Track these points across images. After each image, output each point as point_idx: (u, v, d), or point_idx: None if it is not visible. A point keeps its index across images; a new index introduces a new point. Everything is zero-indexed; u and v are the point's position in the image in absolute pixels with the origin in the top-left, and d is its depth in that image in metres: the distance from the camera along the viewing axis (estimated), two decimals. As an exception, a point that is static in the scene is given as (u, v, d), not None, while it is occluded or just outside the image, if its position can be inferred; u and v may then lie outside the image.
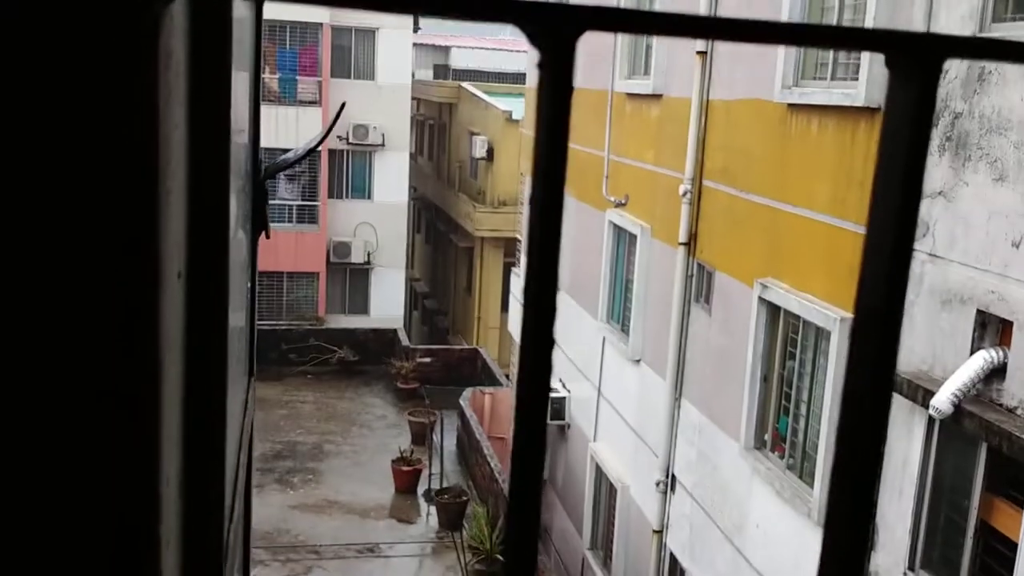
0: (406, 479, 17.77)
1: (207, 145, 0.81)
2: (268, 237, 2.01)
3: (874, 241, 0.55)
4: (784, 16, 8.65)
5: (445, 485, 17.40)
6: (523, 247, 17.56)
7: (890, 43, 0.52)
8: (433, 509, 16.98)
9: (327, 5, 0.46)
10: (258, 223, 1.89)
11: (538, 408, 0.48)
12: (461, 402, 19.51)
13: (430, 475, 17.70)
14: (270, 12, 23.98)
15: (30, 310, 0.54)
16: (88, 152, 0.52)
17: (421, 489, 17.83)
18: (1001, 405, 6.14)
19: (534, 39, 0.45)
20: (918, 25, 6.87)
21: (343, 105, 4.43)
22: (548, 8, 0.45)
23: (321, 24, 25.30)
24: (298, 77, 25.49)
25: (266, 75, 25.10)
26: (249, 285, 1.91)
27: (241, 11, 1.54)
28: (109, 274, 0.55)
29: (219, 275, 0.90)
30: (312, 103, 25.40)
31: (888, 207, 0.54)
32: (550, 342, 0.48)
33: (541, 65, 0.44)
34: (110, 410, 0.57)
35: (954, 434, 6.56)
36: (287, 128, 24.70)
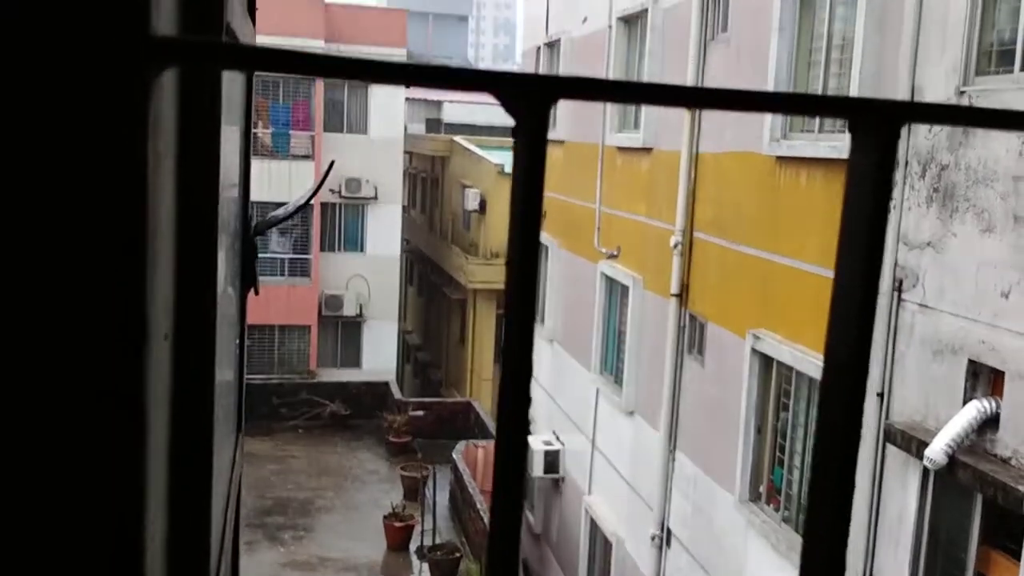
0: (398, 535, 17.54)
1: (195, 207, 0.82)
2: (257, 293, 2.01)
3: (840, 297, 0.56)
4: (771, 71, 8.78)
5: (438, 541, 17.19)
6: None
7: (852, 109, 0.54)
8: (426, 566, 16.74)
9: (314, 74, 0.48)
10: (247, 279, 1.89)
11: (517, 457, 0.48)
12: (454, 456, 19.37)
13: (423, 531, 17.48)
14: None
15: (15, 370, 0.54)
16: (75, 217, 0.53)
17: (414, 545, 17.60)
18: (995, 455, 6.12)
19: (509, 107, 0.46)
20: (903, 79, 6.98)
21: (331, 164, 4.47)
22: (522, 78, 0.47)
23: (314, 79, 25.58)
24: (291, 131, 25.70)
25: (259, 129, 25.32)
26: (237, 341, 1.90)
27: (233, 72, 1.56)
28: (95, 337, 0.55)
29: (206, 336, 0.91)
30: (305, 157, 25.58)
31: (852, 267, 0.55)
32: (526, 401, 0.48)
33: (515, 131, 0.46)
34: (94, 469, 0.57)
35: (949, 485, 6.52)
36: (280, 182, 24.84)
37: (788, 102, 0.56)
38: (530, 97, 0.46)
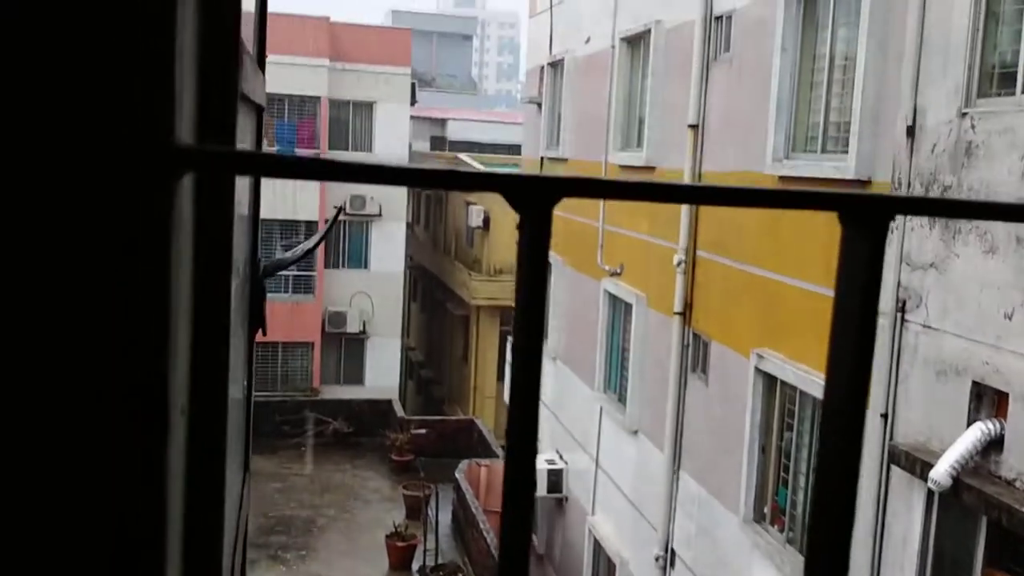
0: (400, 555, 17.48)
1: (210, 290, 0.86)
2: (265, 334, 2.01)
3: (834, 380, 0.57)
4: (773, 91, 8.80)
5: (440, 561, 17.12)
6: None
7: (842, 203, 0.55)
8: (428, 585, 16.67)
9: (326, 179, 0.50)
10: (255, 321, 1.90)
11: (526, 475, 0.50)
12: (457, 475, 19.31)
13: (425, 551, 17.42)
14: (270, 86, 24.33)
15: (48, 449, 0.57)
16: (103, 311, 0.57)
17: (416, 565, 17.53)
18: (1000, 477, 6.09)
19: (515, 205, 0.49)
20: (905, 101, 6.99)
21: (338, 211, 4.57)
22: (527, 179, 0.50)
23: (319, 97, 25.69)
24: (296, 150, 25.79)
25: (265, 147, 25.37)
26: (245, 383, 1.91)
27: (245, 122, 1.58)
28: (120, 416, 0.58)
29: (219, 406, 0.94)
30: (309, 175, 25.62)
31: (845, 350, 0.56)
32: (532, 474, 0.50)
33: (520, 226, 0.49)
34: (118, 536, 0.60)
35: (953, 507, 6.49)
36: (284, 201, 24.91)
37: (781, 197, 0.57)
38: (535, 198, 0.49)
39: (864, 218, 0.55)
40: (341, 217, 26.41)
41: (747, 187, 0.56)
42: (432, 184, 0.51)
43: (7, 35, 0.53)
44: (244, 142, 1.64)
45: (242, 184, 1.61)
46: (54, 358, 0.57)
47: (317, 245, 3.76)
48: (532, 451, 0.50)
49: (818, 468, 0.56)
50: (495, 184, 0.50)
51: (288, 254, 3.10)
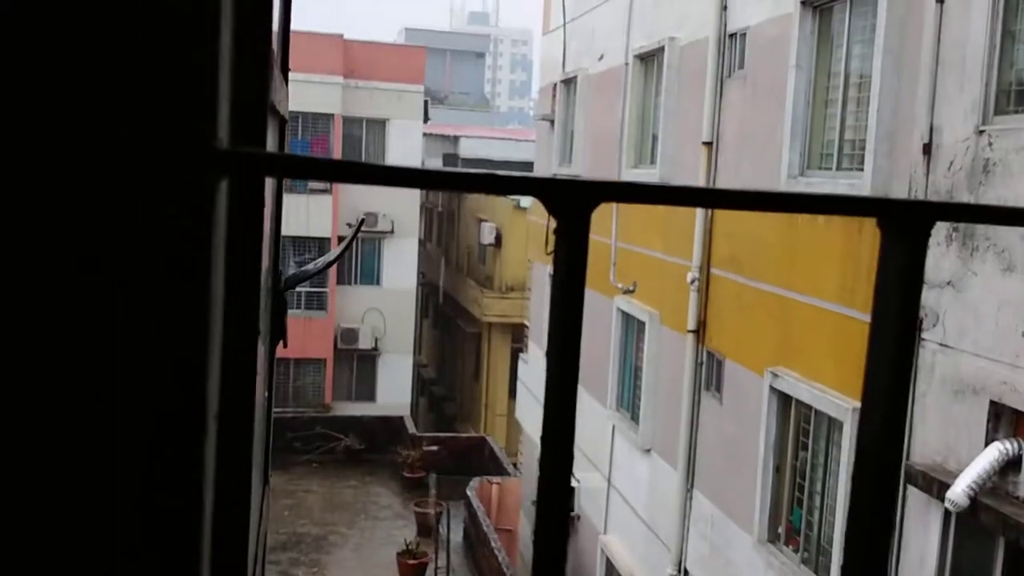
0: (411, 573, 17.41)
1: (241, 297, 0.88)
2: (286, 346, 2.02)
3: (871, 392, 0.56)
4: (788, 109, 8.78)
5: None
6: (530, 334, 17.55)
7: (882, 209, 0.53)
8: (440, 603, 16.59)
9: (356, 182, 0.51)
10: (276, 334, 1.91)
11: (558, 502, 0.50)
12: (468, 492, 19.24)
13: (436, 568, 17.34)
14: (283, 103, 24.49)
15: (86, 452, 0.58)
16: (143, 313, 0.58)
17: (427, 582, 17.45)
18: (1018, 498, 6.02)
19: (553, 210, 0.50)
20: (921, 118, 6.96)
21: (362, 220, 4.54)
22: (566, 184, 0.50)
23: (332, 115, 25.82)
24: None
25: (278, 164, 25.51)
26: (267, 394, 1.91)
27: (274, 134, 1.60)
28: (160, 418, 0.60)
29: (247, 413, 0.95)
30: (323, 191, 25.76)
31: (882, 360, 0.55)
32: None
33: (558, 232, 0.50)
34: (155, 547, 0.61)
35: (971, 528, 6.42)
36: (298, 216, 24.99)
37: (822, 201, 0.55)
38: (573, 202, 0.49)
39: (903, 224, 0.53)
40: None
41: (788, 192, 0.54)
42: (467, 188, 0.50)
43: (61, 41, 0.56)
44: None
45: (265, 197, 1.63)
46: (92, 363, 0.58)
47: (340, 256, 3.76)
48: (567, 470, 0.50)
49: (854, 480, 0.56)
50: (533, 188, 0.50)
51: (310, 266, 3.11)
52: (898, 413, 0.56)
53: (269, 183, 1.57)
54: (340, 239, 26.24)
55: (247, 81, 0.91)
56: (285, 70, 1.99)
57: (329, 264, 3.47)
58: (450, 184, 0.50)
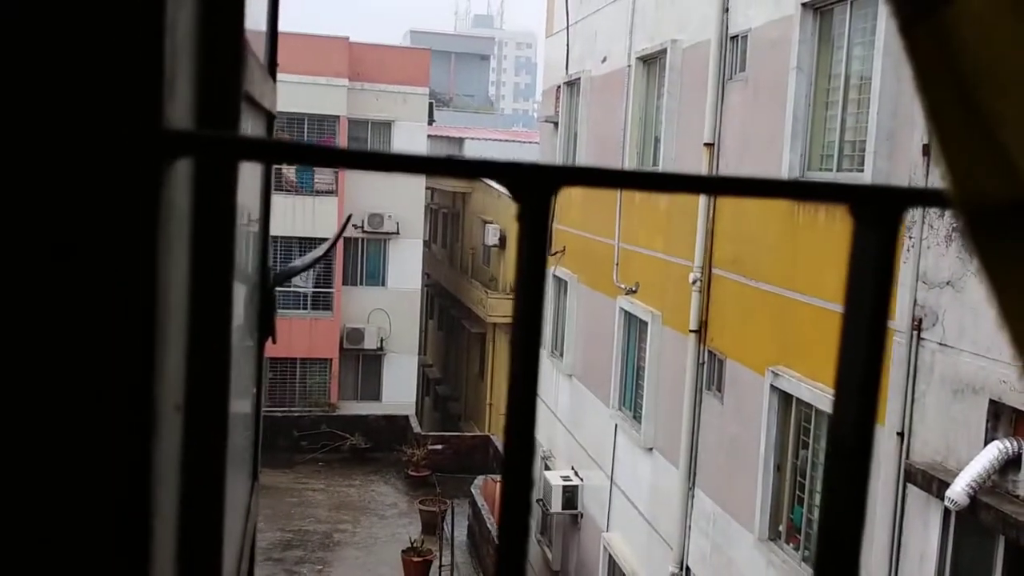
0: (416, 570, 17.47)
1: (210, 285, 0.86)
2: (275, 342, 2.05)
3: (843, 379, 0.56)
4: (788, 110, 8.85)
5: (456, 576, 17.10)
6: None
7: (853, 195, 0.57)
8: (444, 601, 16.65)
9: (320, 165, 0.51)
10: (265, 330, 1.93)
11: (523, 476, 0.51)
12: (472, 490, 19.30)
13: (440, 566, 17.41)
14: (288, 105, 24.57)
15: (20, 448, 0.56)
16: (85, 300, 0.56)
17: (432, 580, 17.51)
18: (1018, 496, 6.08)
19: (515, 194, 0.49)
20: (921, 121, 7.02)
21: (349, 217, 4.56)
22: (526, 168, 0.49)
23: (338, 117, 25.88)
24: (315, 168, 25.97)
25: (284, 166, 25.58)
26: (255, 390, 1.94)
27: (255, 127, 1.61)
28: (103, 411, 0.57)
29: (219, 405, 0.93)
30: (328, 193, 25.83)
31: (854, 350, 0.56)
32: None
33: (519, 216, 0.49)
34: (102, 548, 0.58)
35: (971, 527, 6.47)
36: (304, 217, 25.07)
37: (790, 188, 0.59)
38: (534, 187, 0.48)
39: (875, 210, 0.54)
40: (359, 235, 26.58)
41: (756, 177, 0.58)
42: (429, 171, 0.50)
43: None
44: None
45: (251, 189, 1.64)
46: (30, 351, 0.56)
47: (327, 252, 3.76)
48: (530, 457, 0.49)
49: (827, 471, 0.55)
50: (495, 172, 0.49)
51: (298, 262, 3.13)
52: (870, 403, 0.55)
53: (251, 176, 1.54)
54: (345, 240, 26.32)
55: (215, 68, 0.88)
56: (273, 67, 2.01)
57: (317, 260, 3.49)
58: (408, 167, 0.50)
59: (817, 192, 0.58)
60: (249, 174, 1.53)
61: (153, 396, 0.58)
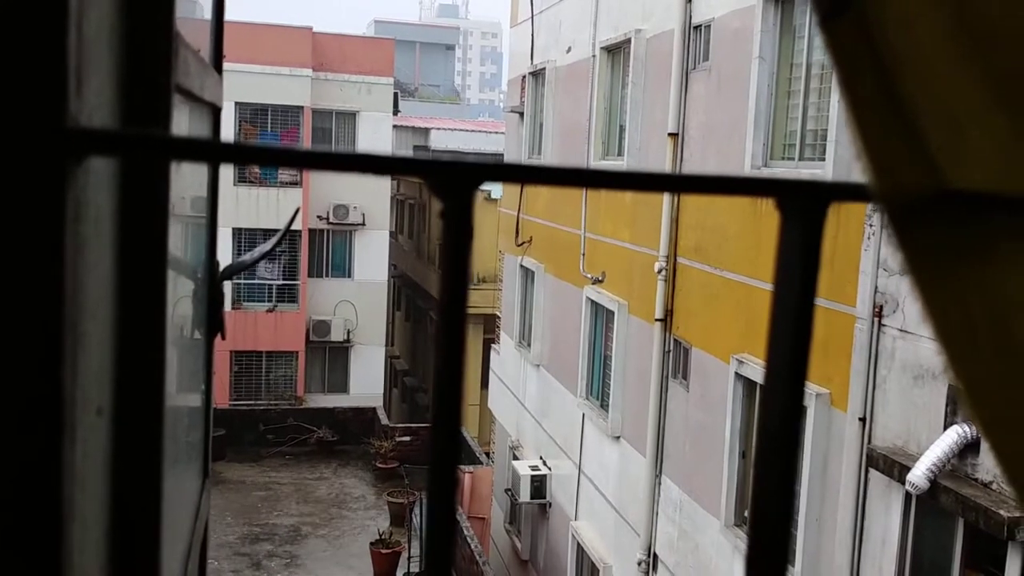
0: (385, 562, 17.46)
1: (139, 286, 0.84)
2: (223, 338, 2.03)
3: (772, 368, 0.58)
4: (751, 100, 8.90)
5: (425, 568, 17.09)
6: (502, 325, 17.63)
7: (779, 189, 0.58)
8: (413, 592, 16.66)
9: (240, 163, 0.51)
10: (213, 326, 1.91)
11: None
12: (441, 481, 19.27)
13: (409, 557, 17.41)
14: (253, 95, 24.35)
15: None
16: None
17: (400, 572, 17.51)
18: (976, 480, 6.18)
19: (436, 191, 0.49)
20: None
21: (297, 210, 4.59)
22: (446, 166, 0.49)
23: (302, 107, 25.69)
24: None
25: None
26: (204, 386, 1.92)
27: (199, 122, 1.59)
28: (3, 411, 0.56)
29: (151, 406, 0.91)
30: (293, 184, 25.64)
31: (783, 338, 0.58)
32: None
33: (443, 214, 0.49)
34: (8, 568, 0.57)
35: (931, 510, 6.57)
36: (268, 209, 24.87)
37: (722, 184, 0.60)
38: (454, 184, 0.48)
39: (801, 204, 0.55)
40: (325, 226, 26.41)
41: (682, 174, 0.59)
42: (351, 168, 0.50)
43: None
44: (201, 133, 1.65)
45: (196, 183, 1.61)
46: None
47: (275, 247, 3.74)
48: (455, 455, 0.48)
49: (757, 455, 0.55)
50: (415, 169, 0.49)
51: (246, 256, 3.11)
52: (797, 391, 0.55)
53: (196, 169, 1.51)
54: (311, 232, 26.15)
55: (140, 61, 0.86)
56: (219, 58, 1.97)
57: (265, 255, 3.48)
58: (328, 164, 0.49)
59: (742, 186, 0.58)
60: (193, 168, 1.51)
61: (62, 400, 0.56)
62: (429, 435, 0.51)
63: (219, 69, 1.93)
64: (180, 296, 1.31)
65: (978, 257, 0.49)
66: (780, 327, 0.57)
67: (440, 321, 0.49)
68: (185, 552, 1.46)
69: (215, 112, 1.81)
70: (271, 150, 0.50)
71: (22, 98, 0.53)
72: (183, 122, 1.28)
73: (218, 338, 2.00)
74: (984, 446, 6.06)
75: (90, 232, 0.65)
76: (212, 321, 1.87)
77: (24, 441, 0.56)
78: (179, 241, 1.28)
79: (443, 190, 0.48)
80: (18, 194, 0.53)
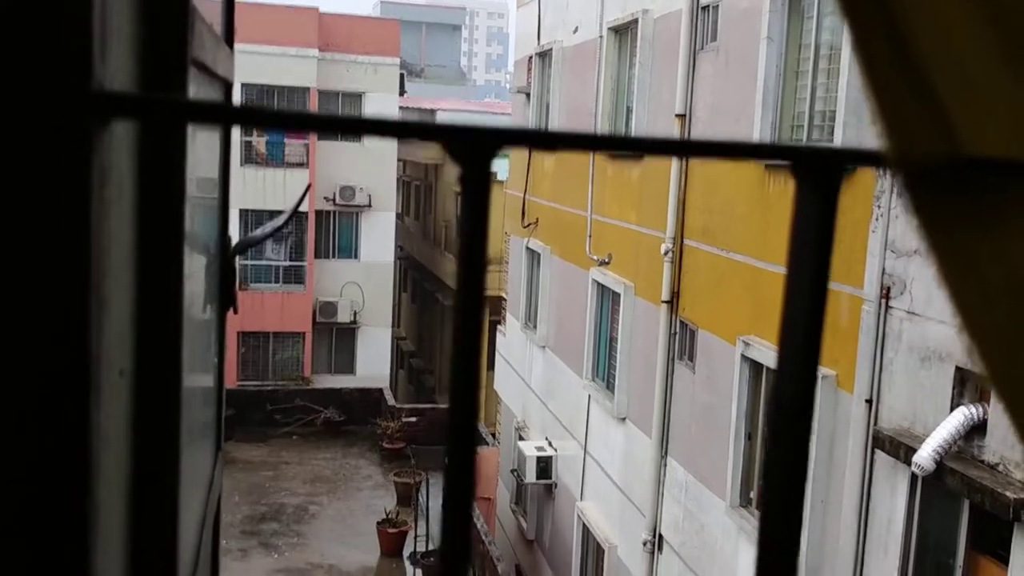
0: (392, 541, 17.56)
1: (158, 248, 0.85)
2: (236, 312, 2.04)
3: (786, 338, 0.58)
4: (759, 80, 8.85)
5: (431, 547, 17.21)
6: (507, 307, 17.64)
7: (794, 154, 0.58)
8: (419, 572, 16.76)
9: (257, 126, 0.51)
10: (226, 300, 1.92)
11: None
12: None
13: (416, 537, 17.50)
14: (259, 77, 24.29)
15: None
16: (14, 263, 0.55)
17: (407, 551, 17.61)
18: (982, 461, 6.18)
19: (455, 156, 0.49)
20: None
21: (308, 186, 4.53)
22: (467, 130, 0.49)
23: (309, 88, 25.62)
24: (285, 140, 25.74)
25: (254, 138, 25.33)
26: (216, 360, 1.93)
27: (211, 95, 1.60)
28: (36, 377, 0.56)
29: (170, 370, 0.92)
30: (299, 165, 25.61)
31: (797, 308, 0.57)
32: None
33: (461, 179, 0.49)
34: (37, 524, 0.57)
35: (937, 491, 6.58)
36: (275, 190, 24.87)
37: (733, 149, 0.60)
38: (474, 148, 0.48)
39: (816, 170, 0.55)
40: (331, 208, 26.40)
41: (697, 140, 0.59)
42: (366, 131, 0.49)
43: None
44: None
45: (209, 159, 1.62)
46: None
47: (287, 222, 3.74)
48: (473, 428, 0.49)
49: (770, 433, 0.56)
50: (433, 134, 0.49)
51: (257, 232, 3.12)
52: (812, 362, 0.56)
53: (207, 145, 1.52)
54: (317, 213, 26.15)
55: (158, 32, 0.87)
56: (230, 35, 1.98)
57: (277, 229, 3.47)
58: (348, 128, 0.49)
59: (758, 152, 0.58)
60: (206, 144, 1.51)
61: (88, 359, 0.57)
62: (447, 412, 0.50)
63: (231, 45, 1.93)
64: (194, 270, 1.32)
65: (992, 223, 0.49)
66: (795, 298, 0.57)
67: (459, 285, 0.49)
68: (200, 522, 1.48)
69: (227, 87, 1.82)
70: (287, 114, 0.50)
71: (51, 62, 0.54)
72: (197, 94, 1.29)
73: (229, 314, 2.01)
74: (990, 427, 6.06)
75: (113, 197, 0.66)
76: (224, 296, 1.88)
77: (55, 402, 0.56)
78: (192, 218, 1.29)
79: (462, 155, 0.48)
80: (48, 156, 0.54)
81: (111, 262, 0.66)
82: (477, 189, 0.49)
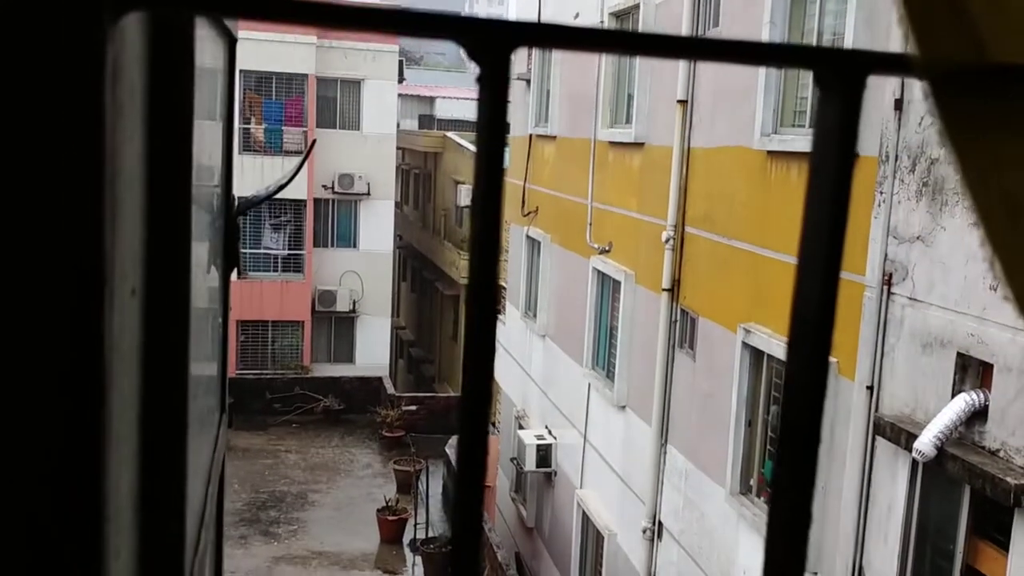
0: (391, 529, 17.57)
1: (167, 161, 0.83)
2: (240, 275, 2.03)
3: (806, 257, 0.56)
4: (761, 70, 8.79)
5: (431, 535, 17.22)
6: (507, 295, 17.62)
7: (816, 59, 0.55)
8: (419, 559, 16.77)
9: (272, 19, 0.47)
10: (230, 260, 1.91)
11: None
12: (447, 450, 19.39)
13: (415, 524, 17.52)
14: (257, 63, 24.21)
15: None
16: (25, 167, 0.54)
17: (407, 539, 17.63)
18: (983, 447, 6.16)
19: (472, 53, 0.47)
20: (896, 41, 7.00)
21: (314, 142, 4.54)
22: (483, 23, 0.47)
23: (307, 75, 25.55)
24: (284, 127, 25.67)
25: (252, 125, 25.25)
26: (221, 320, 1.91)
27: (215, 50, 1.57)
28: (47, 286, 0.55)
29: (179, 292, 0.90)
30: (297, 153, 25.54)
31: (818, 224, 0.55)
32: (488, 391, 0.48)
33: (479, 79, 0.47)
34: (51, 434, 0.56)
35: (938, 477, 6.56)
36: (273, 178, 24.73)
37: (754, 51, 0.57)
38: (492, 44, 0.46)
39: (839, 74, 0.55)
40: (330, 196, 26.35)
41: (722, 40, 0.56)
42: (377, 28, 0.47)
43: None
44: (216, 69, 1.63)
45: (213, 129, 1.59)
46: None
47: (290, 181, 3.74)
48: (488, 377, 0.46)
49: (788, 364, 0.53)
50: (449, 30, 0.47)
51: (261, 190, 3.11)
52: (831, 279, 0.54)
53: (210, 96, 1.50)
54: (316, 201, 26.10)
55: None
56: None
57: (281, 187, 3.48)
58: (356, 23, 0.46)
59: (780, 55, 0.55)
60: (208, 93, 1.48)
61: (103, 272, 0.56)
62: (463, 367, 0.47)
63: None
64: (199, 221, 1.30)
65: (1017, 130, 0.48)
66: (815, 207, 0.55)
67: (475, 187, 0.46)
68: (206, 477, 1.46)
69: (231, 44, 1.79)
70: (296, 3, 0.47)
71: None
72: (205, 50, 1.26)
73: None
74: (991, 413, 6.04)
75: (126, 99, 0.64)
76: (229, 254, 1.86)
77: (70, 308, 0.56)
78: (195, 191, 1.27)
79: (480, 51, 0.46)
80: (60, 50, 0.52)
81: (124, 169, 0.65)
82: (495, 87, 0.46)
